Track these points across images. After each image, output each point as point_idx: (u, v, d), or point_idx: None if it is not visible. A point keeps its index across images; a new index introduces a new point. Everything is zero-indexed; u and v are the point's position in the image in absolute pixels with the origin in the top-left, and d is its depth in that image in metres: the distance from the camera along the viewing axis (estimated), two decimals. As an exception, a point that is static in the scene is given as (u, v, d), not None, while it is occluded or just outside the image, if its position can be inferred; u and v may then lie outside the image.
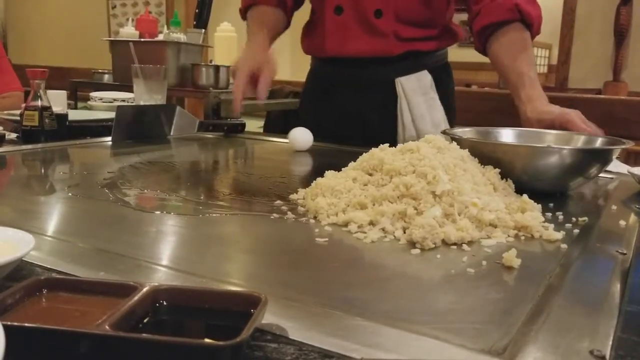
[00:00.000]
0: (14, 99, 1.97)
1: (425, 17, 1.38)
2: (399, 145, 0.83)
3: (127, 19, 5.32)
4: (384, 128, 1.45)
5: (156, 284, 0.41)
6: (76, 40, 6.47)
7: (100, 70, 2.61)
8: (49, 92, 1.37)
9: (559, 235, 0.68)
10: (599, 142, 0.97)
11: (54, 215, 0.77)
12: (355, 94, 1.47)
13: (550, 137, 1.04)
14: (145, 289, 0.40)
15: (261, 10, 1.46)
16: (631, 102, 2.01)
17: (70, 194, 0.85)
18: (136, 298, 0.39)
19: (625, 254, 0.62)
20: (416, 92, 1.43)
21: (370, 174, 0.79)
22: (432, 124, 1.43)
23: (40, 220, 0.73)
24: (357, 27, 1.38)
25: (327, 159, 1.25)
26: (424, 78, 1.44)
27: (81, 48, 6.23)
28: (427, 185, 0.71)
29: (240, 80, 1.31)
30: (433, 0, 1.37)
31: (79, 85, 2.53)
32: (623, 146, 0.90)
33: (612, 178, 1.07)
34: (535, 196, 0.78)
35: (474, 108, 2.40)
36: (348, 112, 1.48)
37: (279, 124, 2.47)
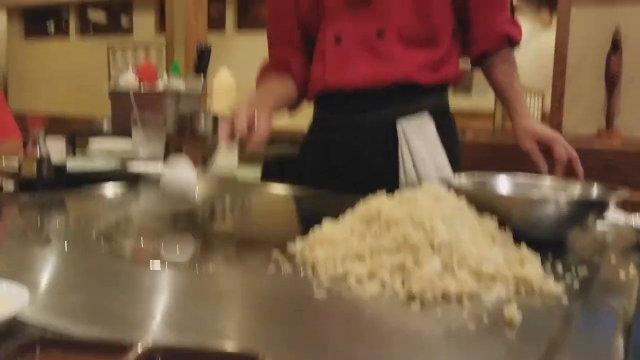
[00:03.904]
0: (12, 146, 1.98)
1: (426, 34, 1.39)
2: (396, 195, 0.84)
3: (128, 66, 5.42)
4: (384, 172, 1.44)
5: (151, 343, 0.40)
6: (76, 87, 6.55)
7: (99, 119, 2.63)
8: (49, 141, 1.38)
9: (560, 288, 0.67)
10: (595, 192, 0.97)
11: (48, 268, 0.76)
12: (355, 138, 1.46)
13: (547, 186, 1.04)
14: (140, 349, 0.39)
15: (266, 82, 1.46)
16: (627, 151, 2.02)
17: (65, 246, 0.84)
18: (134, 358, 0.38)
19: (626, 308, 0.61)
20: (417, 135, 1.42)
21: (368, 224, 0.79)
22: (435, 168, 1.42)
23: (35, 274, 0.72)
24: (358, 52, 1.39)
25: (324, 206, 1.25)
26: (425, 121, 1.44)
27: (81, 95, 6.30)
28: (426, 236, 0.70)
29: (240, 118, 1.17)
30: (433, 14, 1.38)
31: (78, 134, 2.55)
32: (620, 196, 0.90)
33: (610, 228, 1.06)
34: (533, 246, 0.78)
35: (469, 155, 2.41)
36: (349, 157, 1.47)
37: (276, 172, 2.48)
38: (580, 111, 4.43)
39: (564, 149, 1.26)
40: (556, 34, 4.48)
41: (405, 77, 1.38)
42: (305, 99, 1.53)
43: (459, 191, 0.91)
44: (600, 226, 1.04)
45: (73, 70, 6.81)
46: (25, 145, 1.36)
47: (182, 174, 1.02)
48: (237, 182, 1.58)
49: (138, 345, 0.40)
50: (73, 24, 7.12)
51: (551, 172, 1.25)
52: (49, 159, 1.35)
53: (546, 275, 0.71)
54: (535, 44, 8.64)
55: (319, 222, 0.84)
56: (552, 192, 1.00)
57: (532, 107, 8.31)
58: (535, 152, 1.30)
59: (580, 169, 1.25)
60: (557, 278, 0.72)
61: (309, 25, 1.47)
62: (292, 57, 1.48)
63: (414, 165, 1.42)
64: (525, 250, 0.76)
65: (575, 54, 4.39)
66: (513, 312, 0.57)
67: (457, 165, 1.46)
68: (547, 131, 1.32)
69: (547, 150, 1.28)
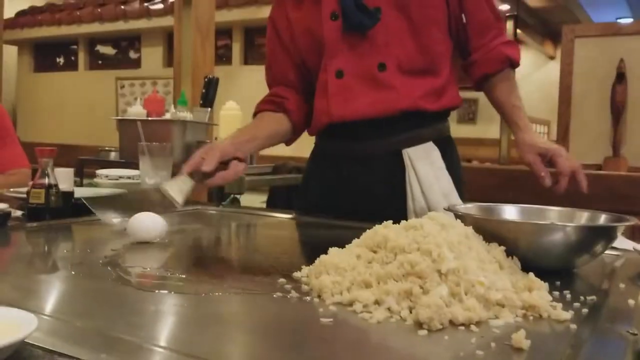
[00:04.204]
0: (20, 175, 1.99)
1: (426, 64, 1.41)
2: (402, 222, 0.84)
3: (135, 98, 5.48)
4: (392, 201, 1.44)
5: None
6: (84, 118, 6.63)
7: (107, 148, 2.66)
8: (57, 169, 1.39)
9: (568, 315, 0.66)
10: (603, 219, 0.97)
11: (55, 294, 0.76)
12: (361, 167, 1.46)
13: (554, 213, 1.04)
14: (146, 374, 0.39)
15: (260, 116, 1.49)
16: (633, 178, 2.02)
17: (72, 272, 0.84)
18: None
19: (636, 334, 0.60)
20: (423, 162, 1.43)
21: (375, 251, 0.79)
22: (442, 194, 1.42)
23: (42, 300, 0.72)
24: (360, 86, 1.40)
25: (330, 234, 1.25)
26: (430, 149, 1.45)
27: (89, 126, 6.37)
28: (432, 263, 0.70)
29: (210, 158, 1.19)
30: (431, 45, 1.40)
31: (85, 163, 2.58)
32: (628, 223, 0.90)
33: (618, 255, 1.06)
34: (541, 274, 0.77)
35: (475, 183, 2.42)
36: (354, 186, 1.47)
37: (282, 199, 2.49)
38: (586, 140, 4.44)
39: (566, 161, 1.27)
40: (560, 65, 4.52)
41: (410, 105, 1.39)
42: (300, 134, 1.55)
43: (465, 219, 0.91)
44: (609, 253, 1.03)
45: (81, 103, 6.89)
46: (33, 174, 1.37)
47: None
48: (242, 209, 1.58)
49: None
50: (82, 58, 7.24)
51: (554, 184, 1.26)
52: (56, 187, 1.36)
53: (554, 301, 0.71)
54: (539, 75, 8.71)
55: (325, 248, 0.84)
56: (559, 220, 1.00)
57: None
58: (537, 164, 1.31)
59: (583, 179, 1.25)
60: (565, 304, 0.71)
61: (309, 62, 1.48)
62: (287, 95, 1.49)
63: (422, 192, 1.42)
64: (532, 276, 0.76)
65: (580, 85, 4.42)
66: (521, 338, 0.57)
67: (460, 189, 1.47)
68: (549, 144, 1.33)
69: (549, 163, 1.30)
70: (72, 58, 7.39)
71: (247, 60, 6.08)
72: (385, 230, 0.81)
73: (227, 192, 2.13)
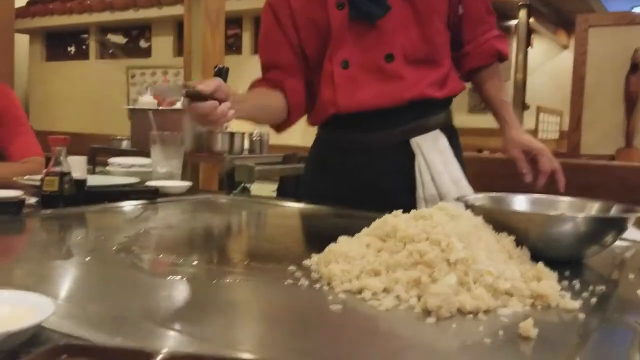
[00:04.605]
0: (34, 164, 2.01)
1: (429, 54, 1.41)
2: (412, 212, 0.84)
3: (146, 87, 5.50)
4: (400, 190, 1.44)
5: (171, 351, 0.41)
6: (96, 107, 6.67)
7: (118, 137, 2.68)
8: (70, 157, 1.40)
9: (577, 304, 0.67)
10: (613, 210, 0.97)
11: (70, 279, 0.77)
12: (367, 159, 1.46)
13: (564, 204, 1.04)
14: (160, 356, 0.40)
15: (256, 90, 1.46)
16: (644, 169, 2.01)
17: (86, 259, 0.86)
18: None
19: (644, 324, 0.61)
20: (432, 149, 1.43)
21: (384, 241, 0.79)
22: (452, 180, 1.42)
23: (57, 285, 0.73)
24: (367, 76, 1.39)
25: (339, 223, 1.25)
26: (438, 137, 1.45)
27: (100, 115, 6.41)
28: (441, 253, 0.71)
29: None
30: (434, 36, 1.40)
31: (97, 151, 2.60)
32: (638, 214, 0.89)
33: (628, 246, 1.06)
34: (551, 264, 0.78)
35: (487, 173, 2.41)
36: (359, 179, 1.47)
37: (292, 189, 2.50)
38: (598, 131, 4.40)
39: (548, 161, 1.33)
40: (574, 55, 4.47)
41: (417, 94, 1.39)
42: (294, 119, 1.49)
43: (475, 209, 0.91)
44: (619, 243, 1.03)
45: (92, 92, 6.93)
46: (47, 162, 1.39)
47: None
48: (252, 198, 1.59)
49: (159, 353, 0.41)
50: (93, 47, 7.28)
51: (534, 181, 1.32)
52: (70, 175, 1.37)
53: (563, 291, 0.71)
54: (552, 64, 8.63)
55: (334, 237, 0.85)
56: (570, 210, 1.00)
57: (551, 126, 8.28)
58: (521, 161, 1.36)
59: (561, 179, 1.32)
60: (574, 294, 0.71)
61: (310, 50, 1.45)
62: (284, 77, 1.45)
63: (432, 179, 1.42)
64: (541, 266, 0.76)
65: (593, 75, 4.37)
66: (529, 327, 0.57)
67: (464, 168, 1.48)
68: (534, 142, 1.38)
69: (532, 160, 1.35)
70: (83, 47, 7.42)
71: (257, 50, 6.08)
72: (394, 219, 0.81)
73: (237, 181, 2.15)
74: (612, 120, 4.30)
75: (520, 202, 1.05)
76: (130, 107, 2.53)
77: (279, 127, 1.50)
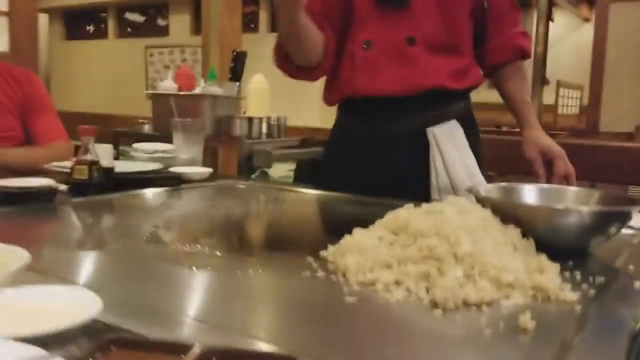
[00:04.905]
0: (60, 148, 2.07)
1: (450, 41, 1.43)
2: (424, 205, 0.89)
3: (166, 66, 5.55)
4: (415, 179, 1.47)
5: (207, 344, 0.47)
6: (115, 86, 6.76)
7: (140, 121, 2.75)
8: (97, 146, 1.47)
9: (575, 296, 0.72)
10: (617, 201, 1.00)
11: (104, 270, 0.84)
12: (385, 146, 1.49)
13: (571, 193, 1.08)
14: (199, 349, 0.46)
15: None
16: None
17: (118, 249, 0.93)
18: (193, 357, 0.45)
19: (635, 316, 0.66)
20: (448, 140, 1.46)
21: (396, 234, 0.84)
22: (465, 171, 1.46)
23: (93, 275, 0.80)
24: (387, 59, 1.41)
25: (355, 211, 1.31)
26: (454, 127, 1.48)
27: (120, 94, 6.50)
28: (450, 247, 0.76)
29: None
30: (457, 23, 1.42)
31: (120, 136, 2.67)
32: (640, 207, 0.93)
33: (634, 233, 1.09)
34: (556, 254, 0.82)
35: (504, 155, 2.43)
36: (378, 163, 1.50)
37: (309, 172, 2.55)
38: (618, 108, 4.39)
39: (563, 164, 1.37)
40: (594, 31, 4.43)
41: (435, 84, 1.42)
42: (324, 68, 1.46)
43: (484, 202, 0.96)
44: (625, 231, 1.07)
45: (112, 71, 7.01)
46: (76, 150, 1.45)
47: None
48: (270, 184, 1.65)
49: (198, 346, 0.47)
50: (111, 26, 7.34)
51: (547, 182, 1.36)
52: (98, 164, 1.44)
53: (563, 283, 0.76)
54: (574, 37, 8.49)
55: (350, 226, 0.90)
56: (575, 202, 1.04)
57: (572, 101, 8.17)
58: (538, 162, 1.40)
59: (574, 183, 1.35)
60: (574, 285, 0.76)
61: (335, 29, 1.45)
62: (325, 25, 1.42)
63: (446, 169, 1.46)
64: (544, 258, 0.81)
65: (614, 51, 4.35)
66: (527, 320, 0.62)
67: (480, 165, 1.51)
68: (552, 146, 1.42)
69: (548, 162, 1.40)
70: (102, 26, 7.49)
71: (274, 28, 6.10)
72: (406, 214, 0.86)
73: (256, 165, 2.21)
74: (632, 97, 4.28)
75: (528, 193, 1.10)
76: (152, 92, 2.59)
77: (314, 71, 1.45)
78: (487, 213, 0.89)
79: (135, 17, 7.28)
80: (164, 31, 6.98)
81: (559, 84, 7.71)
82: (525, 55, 1.52)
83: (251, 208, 1.43)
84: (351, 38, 1.43)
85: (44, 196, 1.30)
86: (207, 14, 3.76)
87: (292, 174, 2.54)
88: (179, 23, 6.74)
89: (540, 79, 7.34)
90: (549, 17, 7.50)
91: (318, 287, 0.76)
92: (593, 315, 0.67)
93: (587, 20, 8.30)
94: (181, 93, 2.46)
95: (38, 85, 2.13)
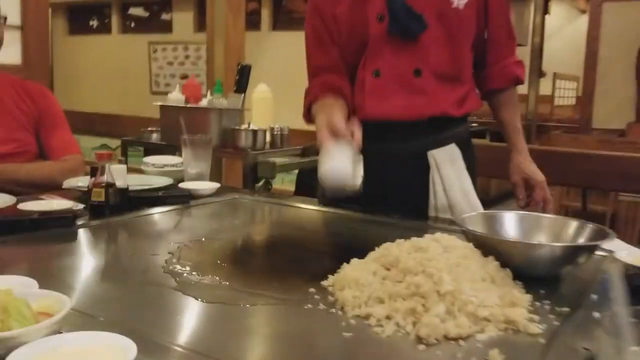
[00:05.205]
0: (73, 161, 2.15)
1: (455, 73, 1.55)
2: (413, 240, 1.01)
3: (169, 63, 5.62)
4: (416, 197, 1.60)
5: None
6: (118, 81, 6.84)
7: (149, 129, 2.85)
8: (111, 167, 1.57)
9: (539, 329, 0.83)
10: (587, 233, 1.11)
11: (127, 304, 0.95)
12: (389, 165, 1.60)
13: (547, 221, 1.20)
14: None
15: (322, 102, 1.55)
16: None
17: (137, 281, 1.04)
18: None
19: (589, 350, 0.77)
20: (446, 163, 1.58)
21: (388, 269, 0.96)
22: (462, 192, 1.58)
23: (115, 310, 0.92)
24: (395, 87, 1.52)
25: (356, 231, 1.42)
26: (453, 151, 1.60)
27: (123, 90, 6.59)
28: (434, 285, 0.87)
29: (338, 123, 1.36)
30: (461, 57, 1.54)
31: (129, 144, 2.78)
32: (608, 240, 1.05)
33: (606, 257, 1.19)
34: (531, 280, 0.96)
35: (499, 159, 2.54)
36: (382, 181, 1.61)
37: (310, 181, 2.66)
38: (610, 105, 4.49)
39: (542, 192, 1.55)
40: (587, 30, 4.52)
41: (440, 111, 1.54)
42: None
43: (468, 234, 1.07)
44: (601, 254, 1.16)
45: (115, 66, 7.08)
46: (94, 173, 1.55)
47: (340, 164, 1.23)
48: (275, 197, 1.77)
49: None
50: (115, 21, 7.40)
51: (525, 207, 1.56)
52: (114, 186, 1.55)
53: (532, 314, 0.88)
54: (570, 29, 8.54)
55: (350, 249, 1.03)
56: (551, 232, 1.15)
57: (568, 92, 8.24)
58: (520, 187, 1.58)
59: (550, 210, 1.54)
60: (542, 316, 0.88)
61: (347, 55, 1.59)
62: (341, 82, 1.59)
63: (444, 190, 1.58)
64: (517, 291, 0.93)
65: (606, 50, 4.44)
66: (495, 355, 0.74)
67: (475, 180, 1.63)
68: (535, 174, 1.59)
69: (530, 187, 1.58)
70: (106, 21, 7.55)
71: (275, 26, 6.17)
72: (397, 251, 0.98)
73: (260, 176, 2.32)
74: (623, 94, 4.37)
75: (509, 221, 1.21)
76: (160, 104, 2.69)
77: None
78: (469, 249, 1.00)
79: (139, 12, 7.34)
80: (167, 26, 7.05)
81: (555, 76, 7.78)
82: (519, 82, 1.66)
83: (257, 229, 1.54)
84: (363, 66, 1.55)
85: (66, 220, 1.41)
86: (211, 13, 3.84)
87: (294, 181, 2.66)
88: (182, 20, 6.81)
89: (537, 71, 7.41)
90: (546, 11, 7.56)
91: (318, 320, 0.87)
92: (554, 348, 0.78)
93: (583, 12, 8.35)
94: (189, 106, 2.56)
95: (52, 100, 2.22)
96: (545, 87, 7.45)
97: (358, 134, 1.39)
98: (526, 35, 8.10)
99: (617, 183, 2.35)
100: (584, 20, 8.02)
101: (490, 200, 6.47)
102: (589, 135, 4.03)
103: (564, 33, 8.37)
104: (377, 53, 1.53)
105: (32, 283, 0.86)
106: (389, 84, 1.53)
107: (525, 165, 1.59)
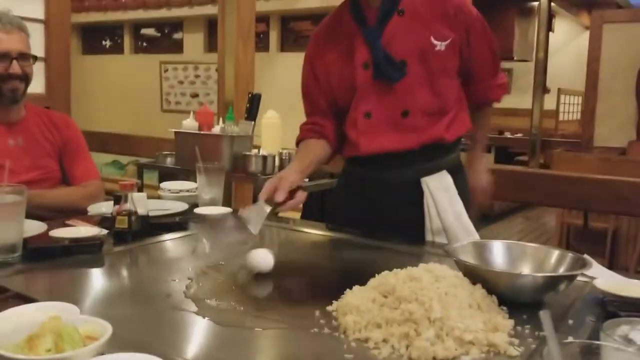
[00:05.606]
0: (94, 187, 2.29)
1: (440, 107, 1.69)
2: (408, 270, 1.13)
3: (180, 82, 5.76)
4: (412, 221, 1.73)
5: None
6: (131, 101, 7.02)
7: (164, 153, 2.98)
8: (133, 195, 1.70)
9: (518, 352, 0.95)
10: (567, 262, 1.23)
11: (150, 327, 1.07)
12: (385, 192, 1.75)
13: (531, 249, 1.31)
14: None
15: (306, 142, 1.79)
16: None
17: (162, 307, 1.16)
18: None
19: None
20: (439, 189, 1.71)
21: (385, 297, 1.08)
22: (454, 216, 1.71)
23: (145, 336, 1.04)
24: (386, 127, 1.67)
25: (359, 256, 1.54)
26: (445, 177, 1.73)
27: (135, 108, 6.76)
28: (425, 312, 0.99)
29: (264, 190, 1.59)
30: (443, 91, 1.68)
31: (145, 168, 2.92)
32: (585, 270, 1.16)
33: (587, 282, 1.29)
34: (515, 306, 1.08)
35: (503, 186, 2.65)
36: (380, 207, 1.76)
37: (317, 204, 2.78)
38: (611, 124, 4.58)
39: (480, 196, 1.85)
40: (588, 50, 4.63)
41: (430, 139, 1.67)
42: (336, 155, 1.84)
43: (458, 264, 1.19)
44: (581, 279, 1.27)
45: (128, 86, 7.26)
46: (117, 200, 1.68)
47: (250, 214, 1.55)
48: (282, 223, 1.89)
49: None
50: (127, 42, 7.60)
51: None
52: (136, 213, 1.68)
53: (513, 338, 0.99)
54: (574, 45, 8.66)
55: (354, 274, 1.17)
56: (535, 261, 1.27)
57: (573, 107, 8.31)
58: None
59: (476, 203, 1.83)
60: (522, 339, 0.99)
61: (340, 99, 1.76)
62: (325, 123, 1.78)
63: (438, 214, 1.71)
64: (501, 317, 1.04)
65: (607, 70, 4.54)
66: (476, 376, 0.85)
67: (467, 202, 1.76)
68: (485, 183, 1.87)
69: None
70: (118, 41, 7.75)
71: (283, 47, 6.34)
72: (394, 280, 1.09)
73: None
74: (624, 113, 4.47)
75: (497, 249, 1.32)
76: (175, 129, 2.83)
77: (327, 163, 1.86)
78: (459, 278, 1.12)
79: (150, 32, 7.54)
80: (178, 46, 7.24)
81: (559, 91, 7.89)
82: (498, 100, 1.85)
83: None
84: (354, 108, 1.69)
85: (94, 247, 1.54)
86: (221, 36, 3.98)
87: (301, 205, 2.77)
88: (193, 40, 7.00)
89: (542, 87, 7.53)
90: (550, 28, 7.69)
91: (323, 343, 0.99)
92: (529, 370, 0.90)
93: (587, 28, 8.47)
94: (202, 133, 2.70)
95: (75, 130, 2.37)
96: (549, 102, 7.57)
97: (300, 197, 1.60)
98: (531, 52, 8.24)
99: (611, 205, 2.48)
100: (587, 36, 8.16)
101: (495, 215, 6.58)
102: (590, 153, 4.13)
103: (568, 49, 8.50)
104: (366, 97, 1.68)
105: (74, 309, 0.99)
106: (380, 124, 1.69)
107: (484, 173, 1.86)
